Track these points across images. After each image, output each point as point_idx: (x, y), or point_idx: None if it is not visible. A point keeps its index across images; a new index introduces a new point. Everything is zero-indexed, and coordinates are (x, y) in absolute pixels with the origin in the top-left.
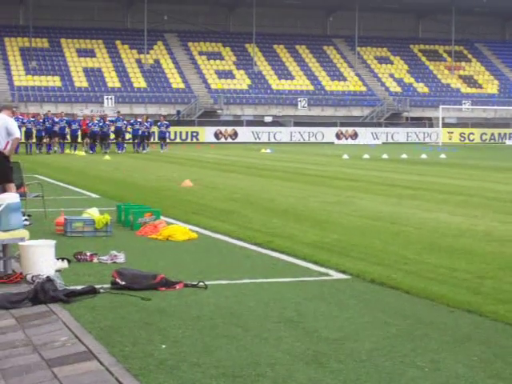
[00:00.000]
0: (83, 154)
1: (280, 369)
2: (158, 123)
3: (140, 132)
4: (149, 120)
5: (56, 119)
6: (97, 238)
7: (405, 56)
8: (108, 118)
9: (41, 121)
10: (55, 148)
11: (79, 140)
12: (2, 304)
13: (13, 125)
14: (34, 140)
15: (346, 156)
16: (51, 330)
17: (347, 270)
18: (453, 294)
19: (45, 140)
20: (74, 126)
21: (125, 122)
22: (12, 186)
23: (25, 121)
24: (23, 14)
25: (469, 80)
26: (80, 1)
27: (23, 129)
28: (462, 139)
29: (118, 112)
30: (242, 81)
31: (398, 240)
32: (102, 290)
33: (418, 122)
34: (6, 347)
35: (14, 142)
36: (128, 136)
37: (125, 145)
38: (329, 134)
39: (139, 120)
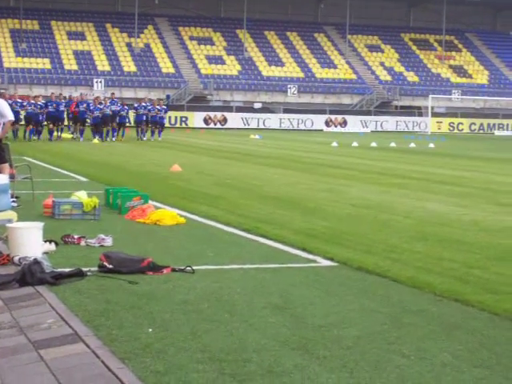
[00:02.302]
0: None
1: (266, 354)
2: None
3: (145, 118)
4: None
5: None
6: (85, 221)
7: (395, 45)
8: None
9: (41, 103)
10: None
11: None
12: None
13: (6, 107)
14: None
15: (335, 144)
16: (38, 312)
17: (335, 257)
18: (440, 282)
19: (47, 125)
20: (82, 108)
21: (126, 106)
22: (6, 166)
23: (25, 104)
24: None
25: (459, 70)
26: None
27: (23, 112)
28: (451, 129)
29: (113, 94)
30: (232, 66)
31: (386, 228)
32: (89, 273)
33: (408, 110)
34: None
35: (6, 125)
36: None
37: (117, 131)
38: (318, 121)
39: (143, 104)
